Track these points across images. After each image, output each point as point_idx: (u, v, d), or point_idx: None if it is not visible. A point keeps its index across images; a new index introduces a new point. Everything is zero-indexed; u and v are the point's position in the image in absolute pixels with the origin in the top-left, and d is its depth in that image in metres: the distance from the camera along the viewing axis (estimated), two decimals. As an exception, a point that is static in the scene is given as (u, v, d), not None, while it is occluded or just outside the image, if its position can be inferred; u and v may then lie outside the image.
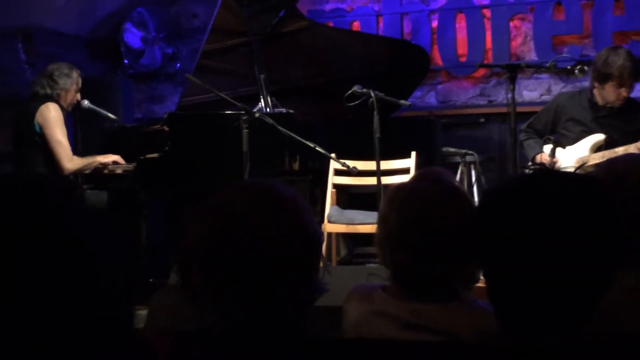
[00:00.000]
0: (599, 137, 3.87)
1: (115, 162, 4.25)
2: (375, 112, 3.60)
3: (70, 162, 4.11)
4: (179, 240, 1.65)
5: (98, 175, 4.26)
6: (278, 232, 1.13)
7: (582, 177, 1.17)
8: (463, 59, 5.56)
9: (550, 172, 1.09)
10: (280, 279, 1.12)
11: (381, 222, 1.56)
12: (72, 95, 4.26)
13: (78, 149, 4.92)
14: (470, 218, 1.21)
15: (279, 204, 1.16)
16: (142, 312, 1.84)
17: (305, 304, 1.17)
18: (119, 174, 4.24)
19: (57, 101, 4.18)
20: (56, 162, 4.07)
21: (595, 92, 3.89)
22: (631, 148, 3.66)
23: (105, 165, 4.24)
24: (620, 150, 3.66)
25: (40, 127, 4.08)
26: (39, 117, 4.07)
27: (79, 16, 5.58)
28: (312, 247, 1.18)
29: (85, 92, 4.38)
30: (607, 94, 3.82)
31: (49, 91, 4.16)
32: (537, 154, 3.97)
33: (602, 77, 3.78)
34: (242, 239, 1.11)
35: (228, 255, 1.11)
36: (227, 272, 1.12)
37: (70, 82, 4.22)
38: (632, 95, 4.01)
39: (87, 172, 4.26)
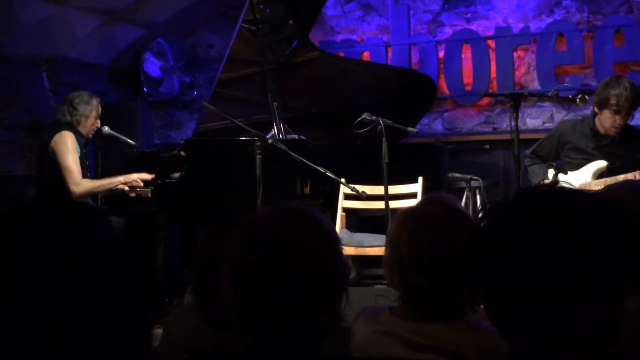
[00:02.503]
0: (601, 163, 3.88)
1: (138, 181, 4.28)
2: (383, 139, 3.63)
3: (77, 186, 4.15)
4: (195, 262, 1.71)
5: (118, 197, 4.31)
6: (317, 256, 1.16)
7: (583, 195, 1.13)
8: (468, 88, 5.64)
9: (551, 190, 1.09)
10: (310, 301, 1.15)
11: (390, 245, 1.58)
12: (92, 121, 4.33)
13: (98, 173, 5.00)
14: None
15: (321, 231, 1.19)
16: (157, 331, 1.86)
17: (325, 330, 1.20)
18: (138, 197, 4.27)
19: (76, 127, 4.26)
20: (65, 186, 4.15)
21: (596, 120, 3.89)
22: (631, 176, 3.64)
23: (126, 185, 4.28)
24: (621, 178, 3.62)
25: (54, 153, 4.18)
26: (53, 144, 4.18)
27: (101, 46, 5.65)
28: (341, 277, 1.21)
29: (105, 119, 4.46)
30: (604, 120, 3.83)
31: (68, 118, 4.25)
32: (541, 180, 3.95)
33: (600, 102, 3.80)
34: (283, 257, 1.13)
35: (267, 271, 1.14)
36: (262, 287, 1.14)
37: (90, 109, 4.29)
38: (634, 123, 4.06)
39: (104, 192, 4.29)
